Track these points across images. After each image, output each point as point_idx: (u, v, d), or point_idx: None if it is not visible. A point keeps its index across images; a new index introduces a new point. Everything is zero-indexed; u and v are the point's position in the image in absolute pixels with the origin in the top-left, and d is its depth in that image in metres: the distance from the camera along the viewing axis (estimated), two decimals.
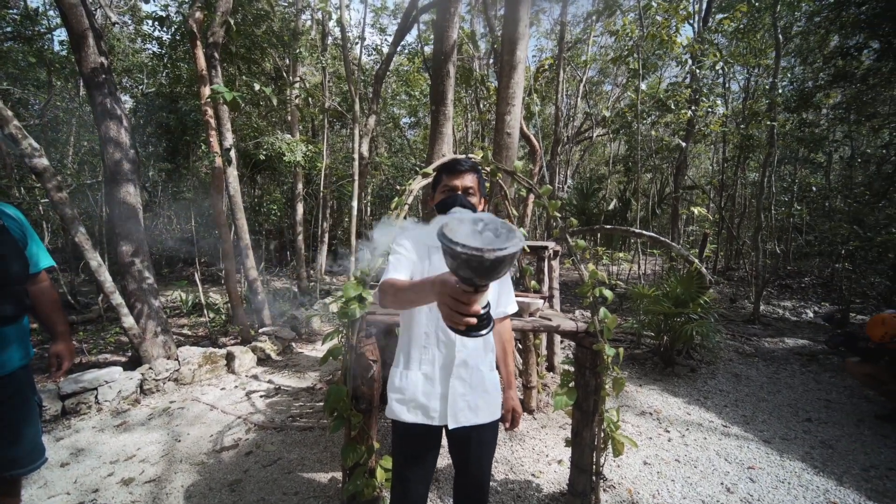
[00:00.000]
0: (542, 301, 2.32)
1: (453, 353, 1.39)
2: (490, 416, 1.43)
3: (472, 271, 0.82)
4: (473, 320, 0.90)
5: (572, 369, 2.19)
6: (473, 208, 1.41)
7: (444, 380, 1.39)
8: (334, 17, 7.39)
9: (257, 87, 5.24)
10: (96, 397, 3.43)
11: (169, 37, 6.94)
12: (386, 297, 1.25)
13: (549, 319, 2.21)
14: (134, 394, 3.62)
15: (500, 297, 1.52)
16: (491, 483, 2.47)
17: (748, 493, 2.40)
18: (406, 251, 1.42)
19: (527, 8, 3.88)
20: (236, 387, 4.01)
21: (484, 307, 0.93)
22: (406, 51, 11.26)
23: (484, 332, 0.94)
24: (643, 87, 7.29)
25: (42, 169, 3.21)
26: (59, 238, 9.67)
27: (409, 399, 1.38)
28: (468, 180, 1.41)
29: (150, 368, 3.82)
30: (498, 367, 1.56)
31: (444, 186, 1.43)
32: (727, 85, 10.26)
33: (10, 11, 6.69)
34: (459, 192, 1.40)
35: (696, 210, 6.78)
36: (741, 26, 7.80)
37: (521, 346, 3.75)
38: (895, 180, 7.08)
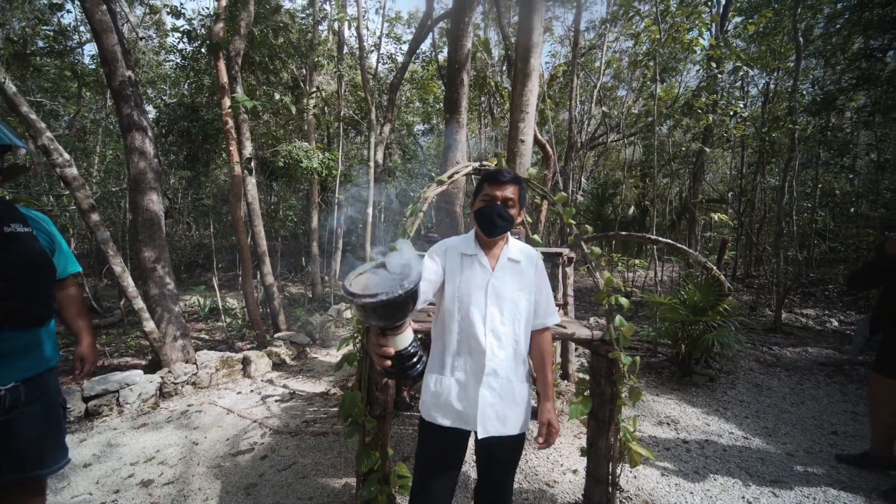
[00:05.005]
0: (557, 308, 2.30)
1: (483, 361, 1.40)
2: (518, 428, 1.45)
3: (359, 313, 0.87)
4: (386, 362, 0.94)
5: (588, 378, 2.16)
6: (511, 219, 1.44)
7: (475, 387, 1.41)
8: (352, 27, 7.54)
9: (277, 96, 5.37)
10: (118, 399, 3.53)
11: (192, 49, 7.18)
12: None
13: (564, 327, 2.19)
14: (154, 397, 3.71)
15: (538, 307, 1.52)
16: None
17: None
18: (432, 263, 1.45)
19: (540, 16, 3.90)
20: (252, 391, 4.07)
21: (404, 350, 0.95)
22: (420, 58, 11.40)
23: (401, 377, 0.97)
24: (659, 91, 7.22)
25: (71, 178, 3.35)
26: (84, 243, 10.01)
27: (444, 404, 1.42)
28: (508, 192, 1.43)
29: (170, 372, 3.91)
30: (534, 379, 1.57)
31: (484, 195, 1.45)
32: (746, 89, 10.08)
33: (45, 28, 7.02)
34: (499, 203, 1.42)
35: (715, 216, 6.65)
36: (760, 28, 7.68)
37: None
38: None
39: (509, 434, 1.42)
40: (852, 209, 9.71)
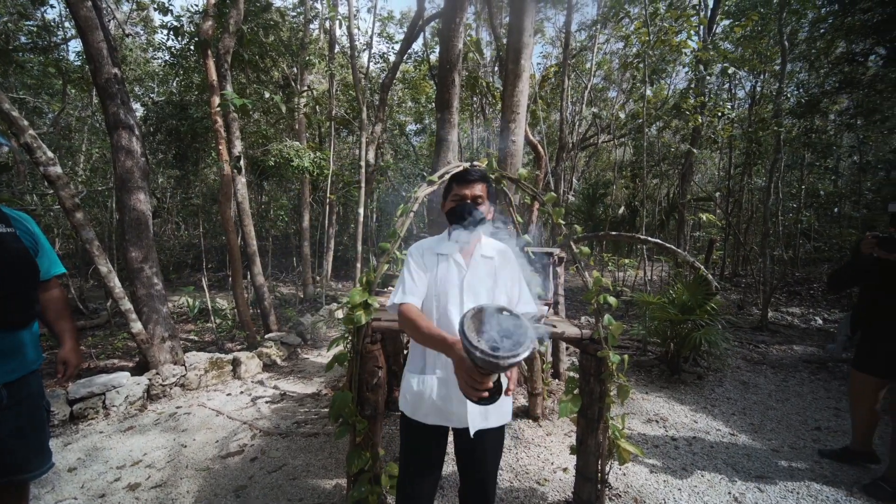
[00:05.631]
0: (547, 307, 2.32)
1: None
2: (499, 421, 1.48)
3: (487, 367, 0.98)
4: (485, 394, 1.06)
5: (577, 376, 2.18)
6: (481, 216, 1.47)
7: (456, 384, 1.42)
8: (344, 26, 7.50)
9: (267, 95, 5.33)
10: (104, 402, 3.47)
11: (181, 46, 7.08)
12: (403, 326, 1.38)
13: (554, 326, 2.21)
14: (141, 399, 3.66)
15: (513, 298, 1.52)
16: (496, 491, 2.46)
17: (756, 503, 2.37)
18: (417, 266, 1.47)
19: (531, 18, 3.93)
20: (242, 392, 4.03)
21: (495, 381, 1.09)
22: (412, 58, 11.40)
23: (493, 403, 1.09)
24: (649, 93, 7.31)
25: (56, 177, 3.28)
26: (69, 243, 9.83)
27: (427, 402, 1.44)
28: (477, 189, 1.46)
29: (158, 374, 3.85)
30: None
31: (454, 195, 1.48)
32: (733, 91, 10.25)
33: (27, 23, 6.87)
34: (469, 201, 1.45)
35: (704, 216, 6.75)
36: (747, 32, 7.82)
37: None
38: None
39: (491, 427, 1.45)
40: (836, 209, 9.93)
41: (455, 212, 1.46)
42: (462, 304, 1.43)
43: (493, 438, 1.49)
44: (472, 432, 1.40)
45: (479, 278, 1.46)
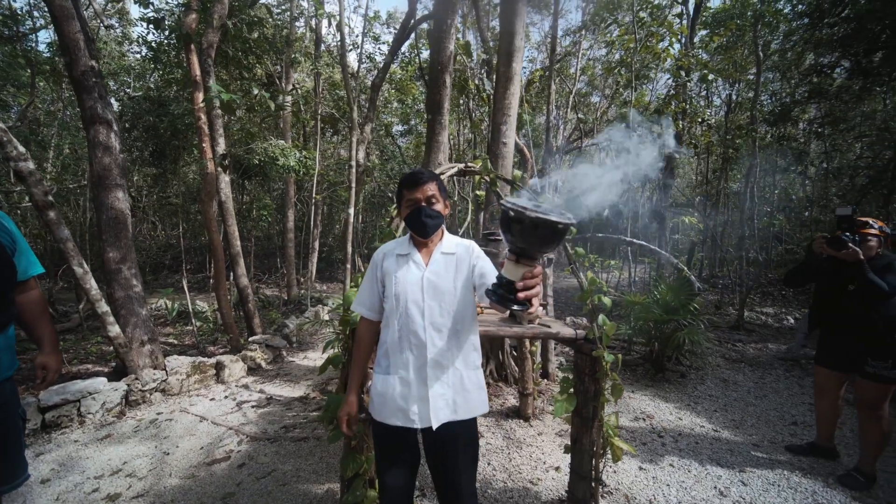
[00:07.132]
0: (541, 308, 2.35)
1: (425, 354, 1.41)
2: (468, 414, 1.45)
3: (519, 228, 0.90)
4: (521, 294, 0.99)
5: (572, 376, 2.21)
6: (439, 215, 1.46)
7: (420, 382, 1.41)
8: (333, 23, 7.41)
9: (255, 91, 5.22)
10: (79, 409, 3.32)
11: (160, 40, 6.86)
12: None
13: (549, 326, 2.23)
14: (119, 405, 3.51)
15: (486, 277, 1.43)
16: (489, 491, 2.47)
17: (741, 497, 2.45)
18: (370, 277, 1.53)
19: (522, 21, 3.97)
20: (226, 397, 3.92)
21: (515, 281, 1.00)
22: (399, 59, 11.34)
23: (505, 302, 1.02)
24: (632, 97, 7.51)
25: (28, 173, 3.13)
26: (37, 243, 9.36)
27: (390, 403, 1.42)
28: (429, 190, 1.44)
29: (136, 379, 3.71)
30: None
31: (407, 201, 1.45)
32: (710, 98, 10.61)
33: None
34: (423, 204, 1.43)
35: (686, 219, 6.97)
36: (724, 42, 8.12)
37: (516, 354, 3.76)
38: (868, 192, 7.40)
39: (460, 419, 1.43)
40: (806, 213, 10.39)
41: (412, 217, 1.44)
42: (423, 302, 1.42)
43: (463, 433, 1.44)
44: (434, 426, 1.37)
45: (438, 274, 1.45)
